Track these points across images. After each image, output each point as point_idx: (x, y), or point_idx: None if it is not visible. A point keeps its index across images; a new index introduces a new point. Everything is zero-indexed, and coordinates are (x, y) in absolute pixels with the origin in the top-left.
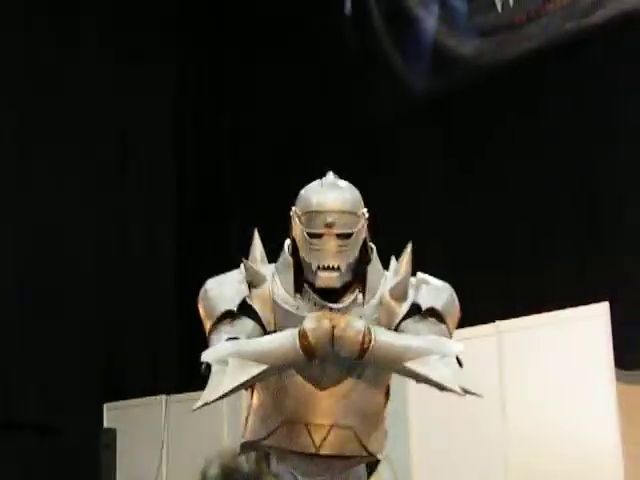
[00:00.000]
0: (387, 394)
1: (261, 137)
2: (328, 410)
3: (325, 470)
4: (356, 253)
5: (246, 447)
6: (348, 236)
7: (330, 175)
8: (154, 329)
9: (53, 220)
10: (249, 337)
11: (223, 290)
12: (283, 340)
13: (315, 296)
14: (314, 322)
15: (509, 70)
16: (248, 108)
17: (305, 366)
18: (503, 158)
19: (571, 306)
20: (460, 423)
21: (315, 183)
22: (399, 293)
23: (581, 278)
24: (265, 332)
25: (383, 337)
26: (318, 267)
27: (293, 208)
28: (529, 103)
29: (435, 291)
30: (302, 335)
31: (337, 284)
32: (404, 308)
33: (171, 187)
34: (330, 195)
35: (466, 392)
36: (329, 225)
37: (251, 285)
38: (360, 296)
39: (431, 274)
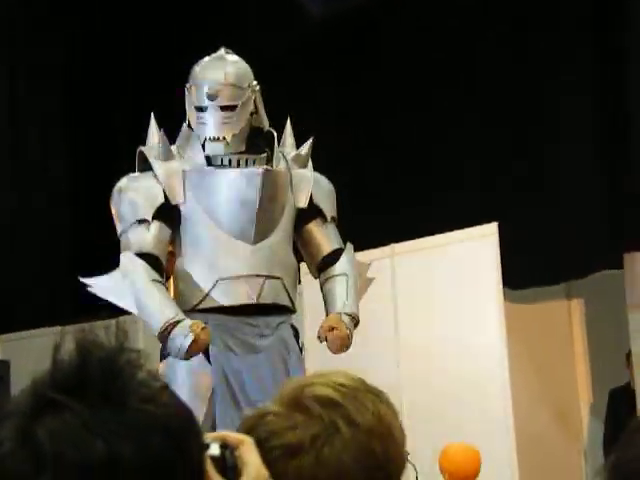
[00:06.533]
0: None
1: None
2: (260, 263)
3: (264, 327)
4: (242, 124)
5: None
6: (232, 108)
7: (221, 50)
8: (48, 258)
9: None
10: (158, 243)
11: (138, 196)
12: (155, 317)
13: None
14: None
15: None
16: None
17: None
18: (393, 83)
19: (462, 227)
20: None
21: (206, 57)
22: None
23: (471, 200)
24: (172, 233)
25: None
26: (205, 139)
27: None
28: (420, 29)
29: (331, 196)
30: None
31: (222, 152)
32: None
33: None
34: (214, 68)
35: None
36: (211, 97)
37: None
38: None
39: None
